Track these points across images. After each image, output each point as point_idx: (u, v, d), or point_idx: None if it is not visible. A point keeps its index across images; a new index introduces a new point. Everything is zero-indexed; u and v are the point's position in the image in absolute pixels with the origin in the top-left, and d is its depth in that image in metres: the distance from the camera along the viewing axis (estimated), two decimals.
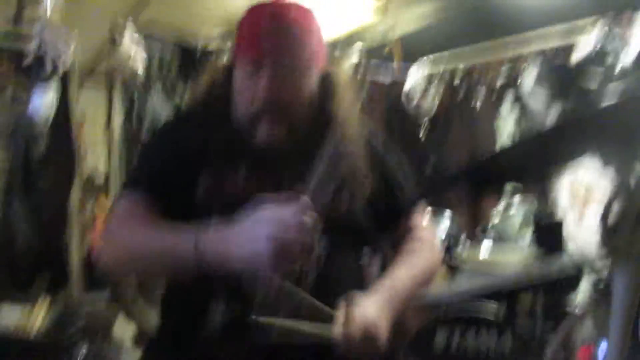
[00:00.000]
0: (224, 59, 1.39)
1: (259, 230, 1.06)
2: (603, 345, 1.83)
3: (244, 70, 1.27)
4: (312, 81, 1.29)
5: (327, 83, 1.34)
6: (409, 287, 1.31)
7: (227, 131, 1.30)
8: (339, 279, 1.28)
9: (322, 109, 1.32)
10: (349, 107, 1.36)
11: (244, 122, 1.28)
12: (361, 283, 1.35)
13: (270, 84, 1.23)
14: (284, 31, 1.24)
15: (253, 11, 1.30)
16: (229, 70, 1.33)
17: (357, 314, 1.16)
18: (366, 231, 1.38)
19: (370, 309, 1.19)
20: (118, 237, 1.25)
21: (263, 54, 1.23)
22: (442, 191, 1.59)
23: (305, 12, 1.28)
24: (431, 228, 1.51)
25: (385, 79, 4.16)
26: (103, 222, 1.35)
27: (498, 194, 3.10)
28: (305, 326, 1.16)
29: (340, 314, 1.17)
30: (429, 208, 1.51)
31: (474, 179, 0.77)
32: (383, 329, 1.19)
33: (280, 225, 1.05)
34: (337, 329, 1.15)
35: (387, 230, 1.43)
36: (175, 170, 1.28)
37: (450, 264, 2.92)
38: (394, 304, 1.25)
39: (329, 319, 1.17)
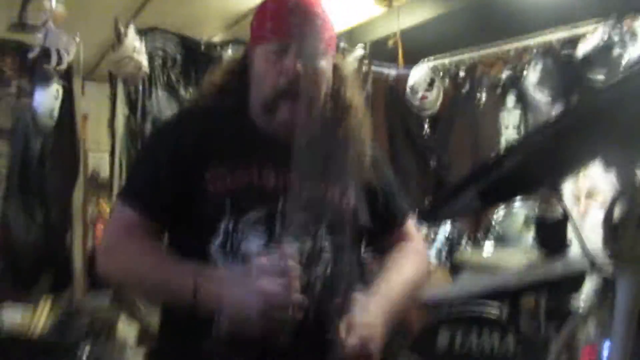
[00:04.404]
0: (230, 52, 1.42)
1: (250, 286, 1.11)
2: (606, 346, 1.83)
3: (269, 51, 1.29)
4: (330, 66, 1.33)
5: (338, 71, 1.37)
6: (401, 290, 1.34)
7: (239, 121, 1.32)
8: (345, 277, 1.29)
9: (335, 94, 1.36)
10: (357, 96, 1.40)
11: (264, 104, 1.30)
12: (364, 281, 1.36)
13: (298, 61, 1.26)
14: (309, 13, 1.29)
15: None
16: (243, 61, 1.36)
17: (356, 326, 1.19)
18: (368, 230, 1.38)
19: (369, 316, 1.22)
20: (119, 256, 1.27)
21: (291, 33, 1.27)
22: (448, 216, 1.61)
23: (319, 1, 1.34)
24: (421, 237, 1.54)
25: (389, 72, 4.15)
26: (103, 230, 1.36)
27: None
28: None
29: (342, 326, 1.18)
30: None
31: (482, 197, 0.77)
32: (380, 335, 1.22)
33: (270, 280, 1.10)
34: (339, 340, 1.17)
35: (381, 237, 1.45)
36: (178, 168, 1.27)
37: (453, 265, 2.92)
38: (390, 306, 1.28)
39: None
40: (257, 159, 1.28)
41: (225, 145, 1.28)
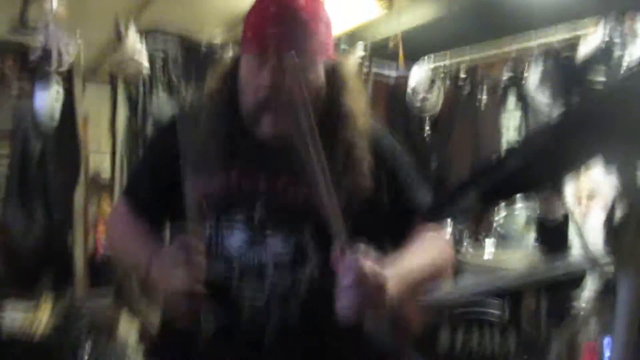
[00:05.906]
0: (231, 53, 1.39)
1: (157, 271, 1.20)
2: (607, 343, 1.83)
3: (249, 62, 1.23)
4: (318, 72, 1.24)
5: (336, 75, 1.28)
6: (419, 272, 1.20)
7: (230, 124, 1.28)
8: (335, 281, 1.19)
9: (331, 102, 1.27)
10: (358, 101, 1.31)
11: (249, 113, 1.25)
12: None
13: (274, 73, 1.19)
14: (290, 18, 1.20)
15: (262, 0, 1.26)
16: (236, 64, 1.29)
17: (358, 259, 1.06)
18: (366, 233, 1.32)
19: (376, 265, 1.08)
20: (111, 237, 1.54)
21: (268, 43, 1.19)
22: (450, 216, 1.55)
23: (309, 6, 1.23)
24: (443, 231, 1.46)
25: (389, 74, 4.16)
26: (108, 216, 1.72)
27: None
28: None
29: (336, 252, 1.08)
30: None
31: (484, 198, 0.76)
32: (388, 284, 1.08)
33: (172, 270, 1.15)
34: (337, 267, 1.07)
35: (393, 233, 1.32)
36: (160, 172, 1.33)
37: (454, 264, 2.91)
38: (405, 283, 1.14)
39: None
40: (242, 163, 1.25)
41: (210, 149, 1.26)
